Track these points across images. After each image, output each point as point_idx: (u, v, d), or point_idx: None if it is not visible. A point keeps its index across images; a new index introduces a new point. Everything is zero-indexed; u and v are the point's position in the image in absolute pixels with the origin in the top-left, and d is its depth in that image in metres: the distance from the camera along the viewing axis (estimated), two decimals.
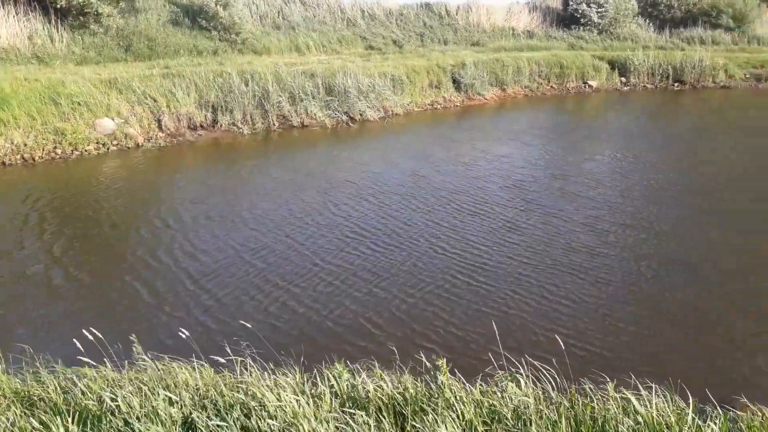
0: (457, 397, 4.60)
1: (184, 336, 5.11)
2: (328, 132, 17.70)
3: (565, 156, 14.51)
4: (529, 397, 4.67)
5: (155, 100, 16.55)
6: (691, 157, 14.54)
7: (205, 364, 5.25)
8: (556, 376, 5.28)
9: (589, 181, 12.16)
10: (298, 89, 18.34)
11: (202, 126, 17.17)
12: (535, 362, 5.32)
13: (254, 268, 8.42)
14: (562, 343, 5.22)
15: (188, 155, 15.32)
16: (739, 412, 4.91)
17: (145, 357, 5.26)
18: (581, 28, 29.23)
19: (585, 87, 25.03)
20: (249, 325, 5.79)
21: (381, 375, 5.24)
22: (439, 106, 21.60)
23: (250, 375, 4.91)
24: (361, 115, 18.92)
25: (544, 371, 5.24)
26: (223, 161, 14.69)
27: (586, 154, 14.71)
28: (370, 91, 19.50)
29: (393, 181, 12.38)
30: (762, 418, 4.80)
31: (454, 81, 22.63)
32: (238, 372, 5.06)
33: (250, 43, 23.71)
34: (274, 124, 17.81)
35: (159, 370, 5.17)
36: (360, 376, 5.21)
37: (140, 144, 15.69)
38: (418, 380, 5.21)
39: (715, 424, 4.29)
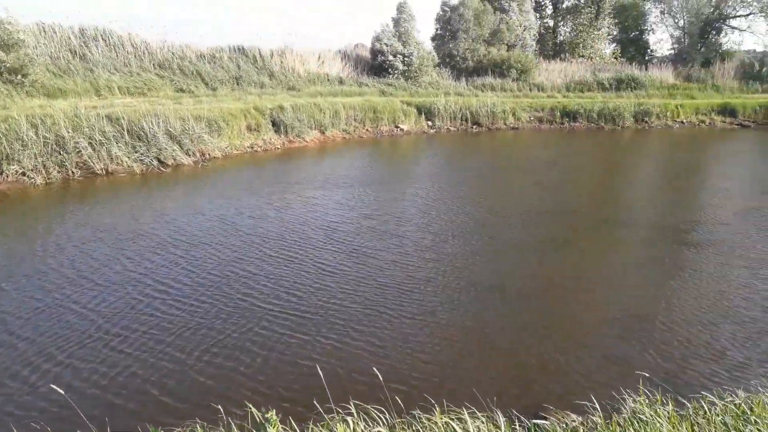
0: None
1: None
2: (137, 179, 16.46)
3: (377, 196, 14.97)
4: None
5: None
6: (487, 192, 15.95)
7: None
8: (385, 412, 5.32)
9: (398, 220, 12.65)
10: (100, 134, 16.89)
11: None
12: (363, 402, 5.30)
13: (29, 338, 7.24)
14: (382, 380, 5.29)
15: None
16: (546, 422, 5.34)
17: None
18: (389, 75, 31.24)
19: (397, 130, 26.66)
20: (50, 397, 4.97)
21: None
22: (259, 149, 21.38)
23: None
24: (174, 159, 17.98)
25: (373, 410, 5.25)
26: (2, 217, 12.80)
27: (396, 193, 15.36)
28: (183, 134, 18.66)
29: (200, 230, 11.68)
30: (566, 423, 5.28)
31: (274, 124, 22.65)
32: None
33: (42, 86, 21.41)
34: (73, 173, 16.11)
35: None
36: None
37: None
38: None
39: None
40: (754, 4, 40.81)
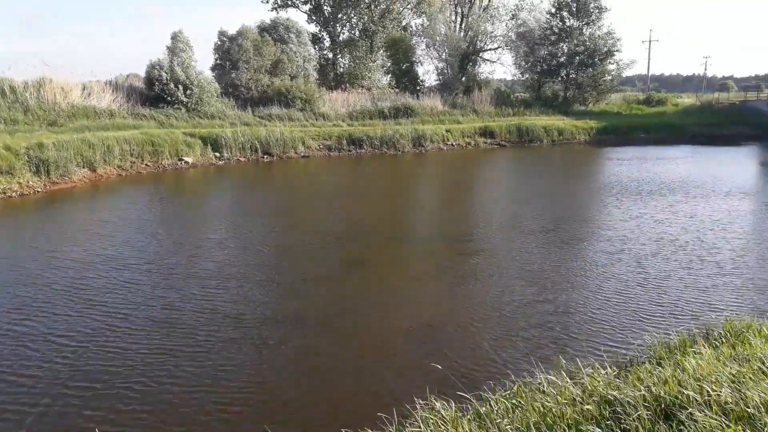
0: None
1: None
2: None
3: (142, 242, 13.03)
4: None
5: None
6: (279, 224, 15.50)
7: None
8: None
9: (161, 268, 11.07)
10: None
11: None
12: None
13: None
14: None
15: None
16: None
17: None
18: (169, 106, 29.56)
19: (181, 163, 25.22)
20: None
21: None
22: (14, 194, 18.48)
23: None
24: None
25: None
26: None
27: (170, 236, 13.71)
28: None
29: None
30: None
31: (32, 165, 19.82)
32: None
33: None
34: None
35: None
36: None
37: None
38: None
39: None
40: (500, 38, 47.52)
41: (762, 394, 4.05)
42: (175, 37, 31.30)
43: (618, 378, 5.01)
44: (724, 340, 6.05)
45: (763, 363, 4.70)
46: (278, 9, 43.87)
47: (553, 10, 45.84)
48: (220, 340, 7.90)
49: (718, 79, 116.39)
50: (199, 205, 18.35)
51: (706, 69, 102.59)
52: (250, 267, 11.29)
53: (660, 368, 5.00)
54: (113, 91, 29.55)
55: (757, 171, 26.24)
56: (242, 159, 27.68)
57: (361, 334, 8.19)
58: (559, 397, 4.63)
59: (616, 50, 45.95)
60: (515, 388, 5.33)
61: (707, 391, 4.16)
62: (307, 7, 44.45)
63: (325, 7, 44.35)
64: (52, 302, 9.24)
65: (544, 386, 5.15)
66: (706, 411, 3.90)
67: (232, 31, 35.07)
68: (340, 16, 44.39)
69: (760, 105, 49.31)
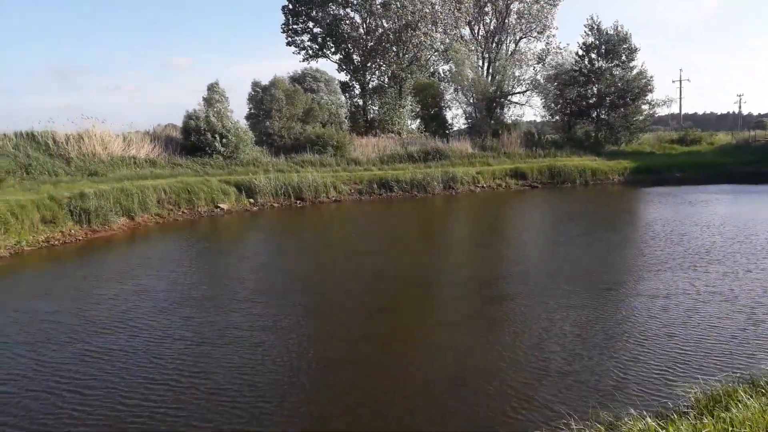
0: None
1: None
2: None
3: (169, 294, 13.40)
4: None
5: None
6: (309, 265, 15.81)
7: None
8: None
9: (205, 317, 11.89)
10: None
11: None
12: None
13: None
14: None
15: None
16: None
17: None
18: (206, 155, 30.46)
19: (217, 210, 25.79)
20: None
21: None
22: (57, 242, 19.10)
23: None
24: None
25: None
26: None
27: (194, 287, 14.04)
28: None
29: None
30: None
31: (73, 214, 20.54)
32: None
33: None
34: None
35: None
36: None
37: None
38: None
39: None
40: (528, 82, 47.85)
41: None
42: (211, 88, 32.52)
43: (659, 430, 4.80)
44: None
45: None
46: (309, 59, 45.33)
47: (581, 53, 46.03)
48: (247, 384, 7.91)
49: (753, 116, 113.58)
50: (230, 252, 18.59)
51: (740, 107, 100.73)
52: (278, 312, 11.32)
53: (702, 421, 4.77)
54: (151, 141, 30.66)
55: None
56: (276, 204, 28.15)
57: (392, 382, 8.09)
58: None
59: (649, 90, 45.61)
60: None
61: None
62: (337, 57, 45.78)
63: (354, 57, 45.57)
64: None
65: None
66: None
67: (265, 81, 36.30)
68: (369, 65, 45.49)
69: None
